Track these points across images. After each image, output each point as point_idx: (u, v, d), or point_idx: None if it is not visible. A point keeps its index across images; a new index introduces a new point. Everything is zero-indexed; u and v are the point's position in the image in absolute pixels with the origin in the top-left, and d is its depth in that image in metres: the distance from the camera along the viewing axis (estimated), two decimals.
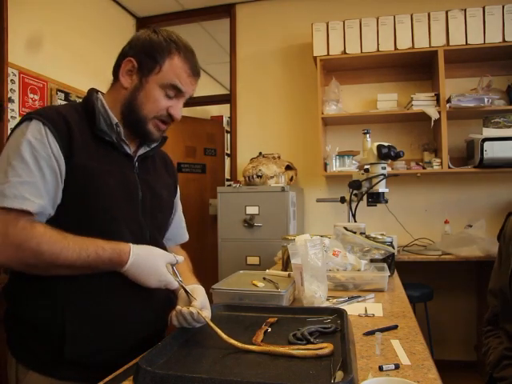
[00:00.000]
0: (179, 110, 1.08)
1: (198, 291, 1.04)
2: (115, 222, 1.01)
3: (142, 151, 1.13)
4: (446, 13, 2.91)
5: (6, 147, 0.97)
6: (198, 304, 0.97)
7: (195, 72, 1.07)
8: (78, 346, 0.96)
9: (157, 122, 1.07)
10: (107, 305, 1.00)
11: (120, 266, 0.96)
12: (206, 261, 3.81)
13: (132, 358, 0.88)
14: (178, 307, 0.96)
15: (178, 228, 1.33)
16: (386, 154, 1.97)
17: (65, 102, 2.90)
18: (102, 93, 1.11)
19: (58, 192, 0.97)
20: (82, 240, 0.93)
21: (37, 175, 0.93)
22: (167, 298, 1.11)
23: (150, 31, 1.07)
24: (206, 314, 0.96)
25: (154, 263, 0.98)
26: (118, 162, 1.06)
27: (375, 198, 2.07)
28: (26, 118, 0.97)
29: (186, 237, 1.38)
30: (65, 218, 0.97)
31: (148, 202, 1.10)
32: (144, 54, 1.04)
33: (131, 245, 0.97)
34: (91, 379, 0.79)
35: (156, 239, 1.13)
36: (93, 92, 1.09)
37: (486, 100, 2.86)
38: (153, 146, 1.16)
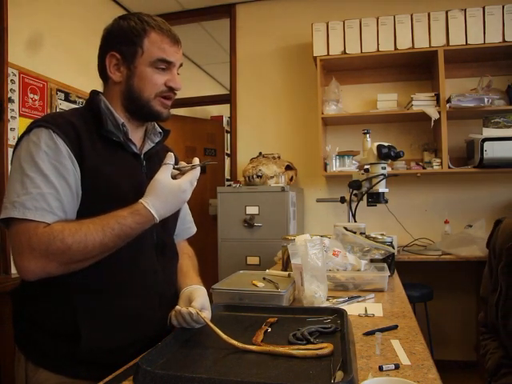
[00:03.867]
0: (177, 79, 1.08)
1: (199, 292, 1.04)
2: None
3: (147, 148, 1.14)
4: (446, 13, 2.91)
5: (16, 157, 0.96)
6: (198, 305, 0.97)
7: (175, 40, 1.08)
8: (92, 346, 0.96)
9: (161, 100, 1.07)
10: (119, 305, 1.00)
11: (150, 221, 0.96)
12: (206, 261, 3.81)
13: None
14: (178, 307, 0.96)
15: (184, 223, 1.33)
16: (386, 154, 1.97)
17: (65, 102, 2.90)
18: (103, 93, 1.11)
19: (79, 194, 0.98)
20: (100, 219, 0.93)
21: (57, 186, 0.93)
22: (175, 296, 1.11)
23: (117, 21, 1.07)
24: (206, 314, 0.96)
25: (163, 186, 0.96)
26: (127, 162, 1.07)
27: (375, 198, 2.07)
28: (34, 126, 0.97)
29: (192, 230, 1.38)
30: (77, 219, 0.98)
31: None
32: (122, 43, 1.04)
33: (139, 200, 0.96)
34: (102, 377, 0.80)
35: (163, 240, 1.13)
36: (95, 94, 1.09)
37: (486, 100, 2.86)
38: (157, 140, 1.16)
